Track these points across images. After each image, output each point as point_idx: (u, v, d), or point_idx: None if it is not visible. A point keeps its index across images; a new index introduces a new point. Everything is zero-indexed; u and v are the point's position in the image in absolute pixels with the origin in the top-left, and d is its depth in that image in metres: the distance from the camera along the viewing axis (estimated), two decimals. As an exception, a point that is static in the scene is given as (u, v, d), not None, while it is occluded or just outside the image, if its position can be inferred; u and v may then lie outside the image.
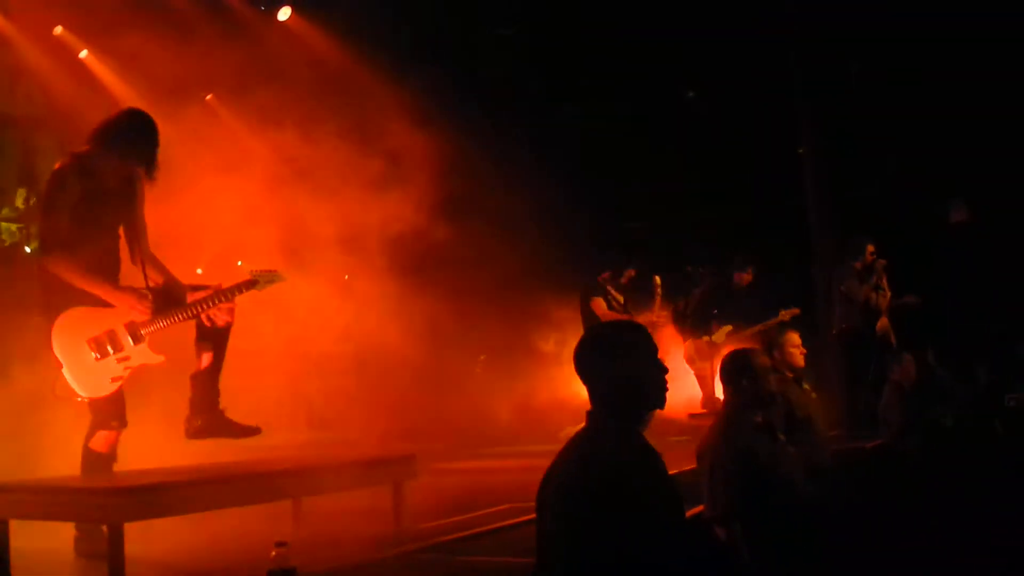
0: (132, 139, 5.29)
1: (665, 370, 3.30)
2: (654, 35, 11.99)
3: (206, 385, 5.53)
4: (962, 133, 11.51)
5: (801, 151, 13.17)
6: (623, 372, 3.21)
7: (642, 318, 9.24)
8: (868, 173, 12.78)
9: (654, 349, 3.31)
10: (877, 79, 12.39)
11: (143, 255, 5.52)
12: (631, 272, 9.62)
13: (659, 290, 9.57)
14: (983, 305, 10.61)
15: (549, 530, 3.12)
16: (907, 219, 11.94)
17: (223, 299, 5.43)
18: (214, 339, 5.53)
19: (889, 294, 10.32)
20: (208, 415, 5.49)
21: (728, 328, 10.06)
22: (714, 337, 10.11)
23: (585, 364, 3.28)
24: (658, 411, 3.25)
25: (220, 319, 5.49)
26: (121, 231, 5.51)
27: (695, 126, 12.95)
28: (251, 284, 5.54)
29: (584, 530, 2.98)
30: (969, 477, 6.57)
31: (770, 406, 5.29)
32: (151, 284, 5.39)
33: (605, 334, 3.47)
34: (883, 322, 10.32)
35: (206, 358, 5.53)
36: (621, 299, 9.57)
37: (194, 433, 5.49)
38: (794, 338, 6.72)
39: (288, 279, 5.84)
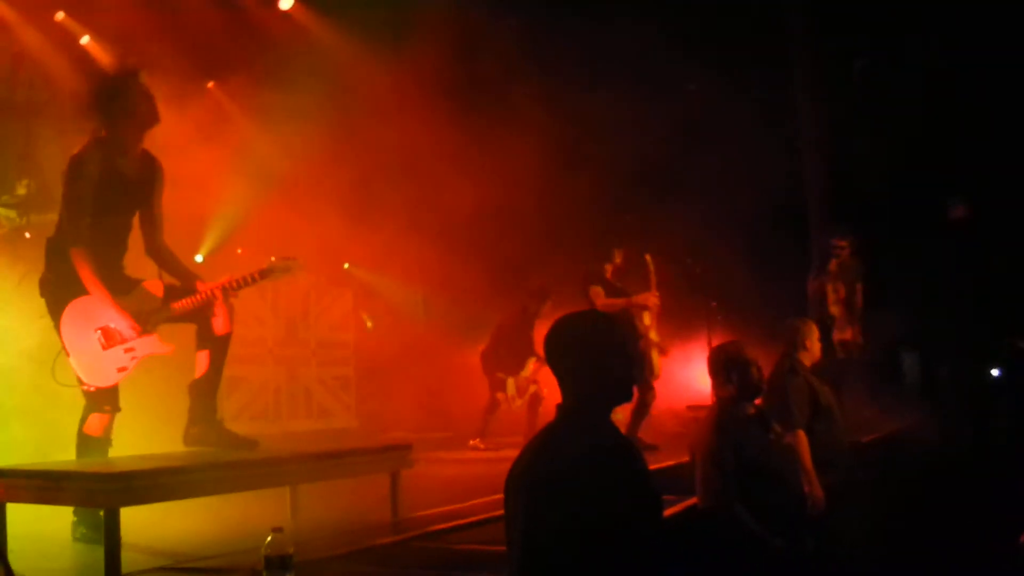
0: (119, 104, 5.15)
1: (632, 363, 3.26)
2: (657, 24, 11.94)
3: (204, 394, 5.45)
4: (963, 130, 11.50)
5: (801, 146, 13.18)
6: (592, 364, 3.15)
7: (641, 299, 9.13)
8: (868, 170, 12.75)
9: (623, 342, 3.28)
10: (880, 74, 12.37)
11: (156, 247, 5.46)
12: (621, 253, 9.34)
13: (652, 267, 9.28)
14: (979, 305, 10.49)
15: (514, 521, 3.07)
16: (905, 217, 11.90)
17: (235, 287, 5.29)
18: (213, 348, 5.43)
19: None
20: (205, 425, 5.41)
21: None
22: None
23: (555, 355, 3.23)
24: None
25: (219, 327, 5.38)
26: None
27: (697, 117, 12.89)
28: (265, 273, 5.35)
29: (546, 523, 2.94)
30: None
31: (756, 397, 5.34)
32: (164, 280, 5.36)
33: (576, 324, 3.32)
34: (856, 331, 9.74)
35: (204, 367, 5.43)
36: (619, 285, 9.33)
37: (191, 441, 5.42)
38: (818, 331, 6.81)
39: (306, 267, 5.65)
